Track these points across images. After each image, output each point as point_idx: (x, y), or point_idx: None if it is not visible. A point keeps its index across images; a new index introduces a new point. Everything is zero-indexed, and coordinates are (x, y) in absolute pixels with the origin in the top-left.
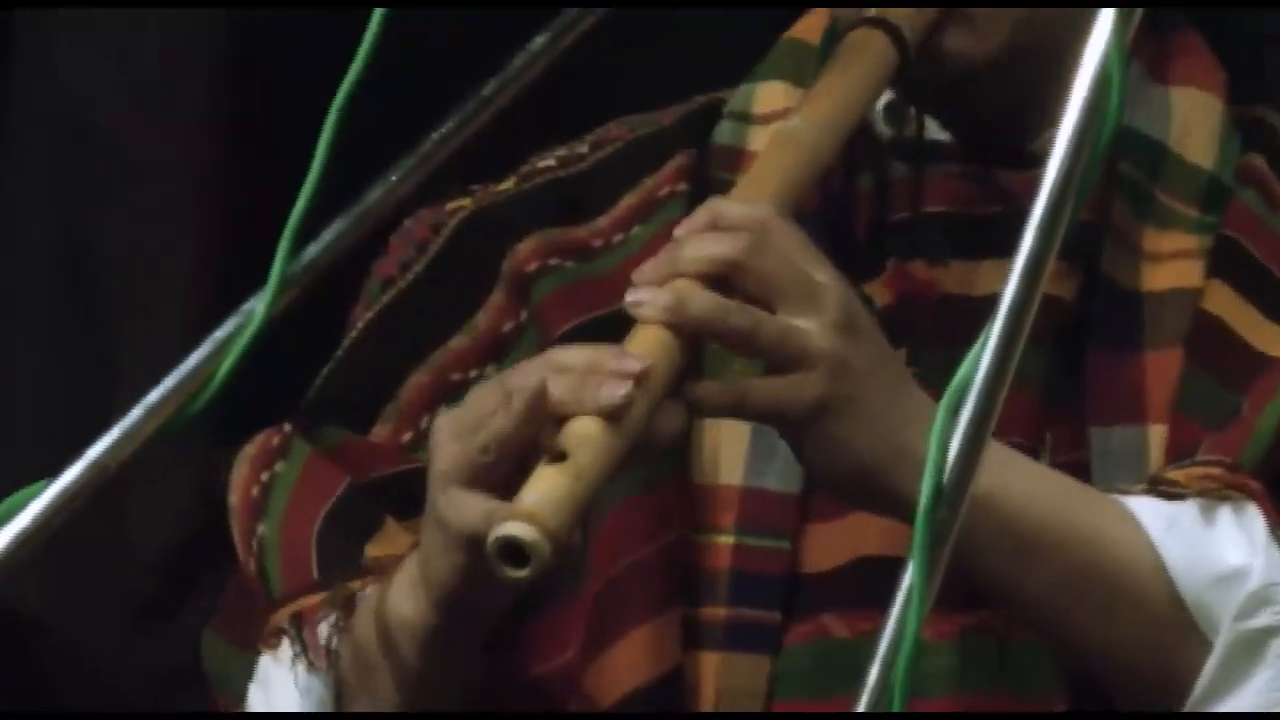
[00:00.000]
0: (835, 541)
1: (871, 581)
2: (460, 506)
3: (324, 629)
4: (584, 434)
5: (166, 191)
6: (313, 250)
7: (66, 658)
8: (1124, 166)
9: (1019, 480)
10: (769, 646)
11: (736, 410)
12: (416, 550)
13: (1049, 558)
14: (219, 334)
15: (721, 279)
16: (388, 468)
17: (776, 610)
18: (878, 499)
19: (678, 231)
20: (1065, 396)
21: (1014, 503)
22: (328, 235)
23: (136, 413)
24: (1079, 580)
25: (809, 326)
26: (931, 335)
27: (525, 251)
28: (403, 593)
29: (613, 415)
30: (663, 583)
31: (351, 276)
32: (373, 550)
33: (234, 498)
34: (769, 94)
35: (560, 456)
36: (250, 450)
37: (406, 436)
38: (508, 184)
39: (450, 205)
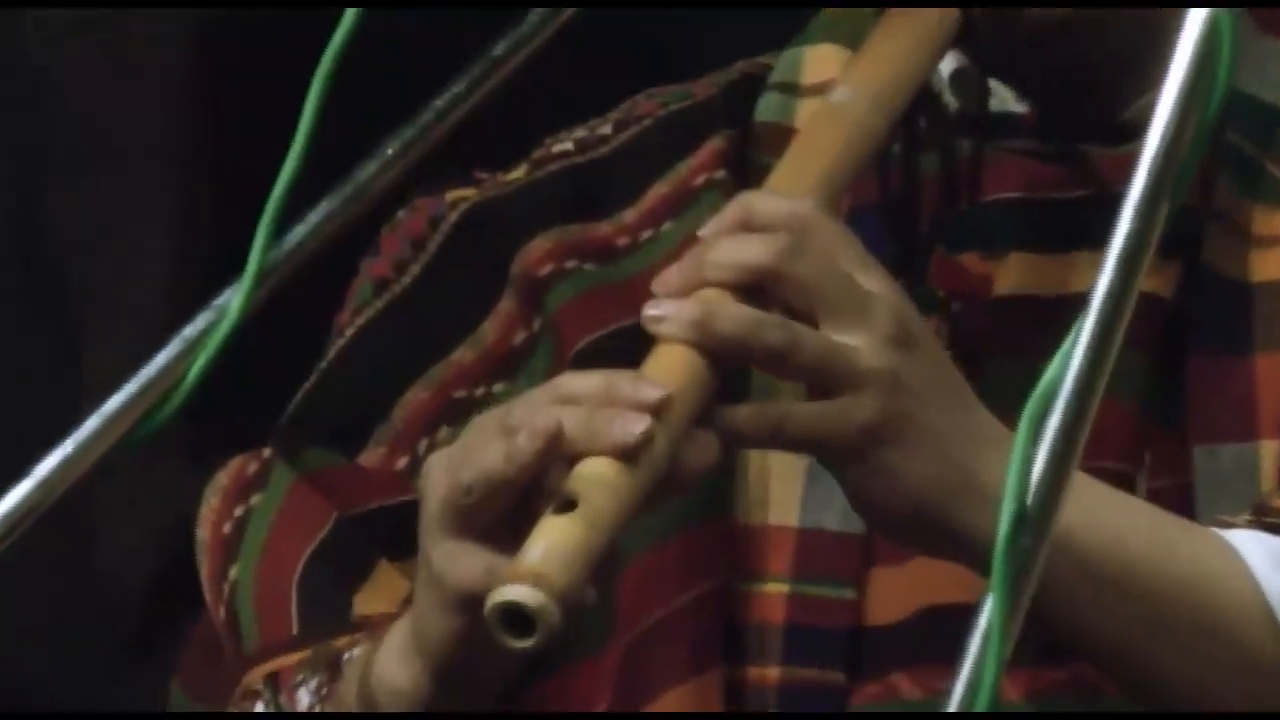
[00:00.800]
0: (902, 589)
1: (943, 634)
2: (454, 561)
3: (304, 695)
4: (596, 477)
5: (137, 173)
6: (296, 236)
7: (29, 706)
8: (1230, 137)
9: (1103, 511)
10: (832, 711)
11: (775, 439)
12: (410, 608)
13: (1139, 601)
14: (189, 331)
15: (755, 288)
16: (381, 498)
17: (839, 669)
18: (939, 539)
19: (703, 231)
20: (1164, 411)
21: (1098, 539)
22: (313, 219)
23: (93, 423)
24: (1173, 626)
25: (857, 342)
26: (993, 341)
27: (537, 253)
28: (394, 659)
29: (629, 455)
30: (703, 638)
31: (344, 264)
32: (363, 600)
33: (203, 533)
34: (819, 60)
35: (569, 504)
36: (223, 479)
37: (402, 462)
38: (518, 172)
39: (451, 195)
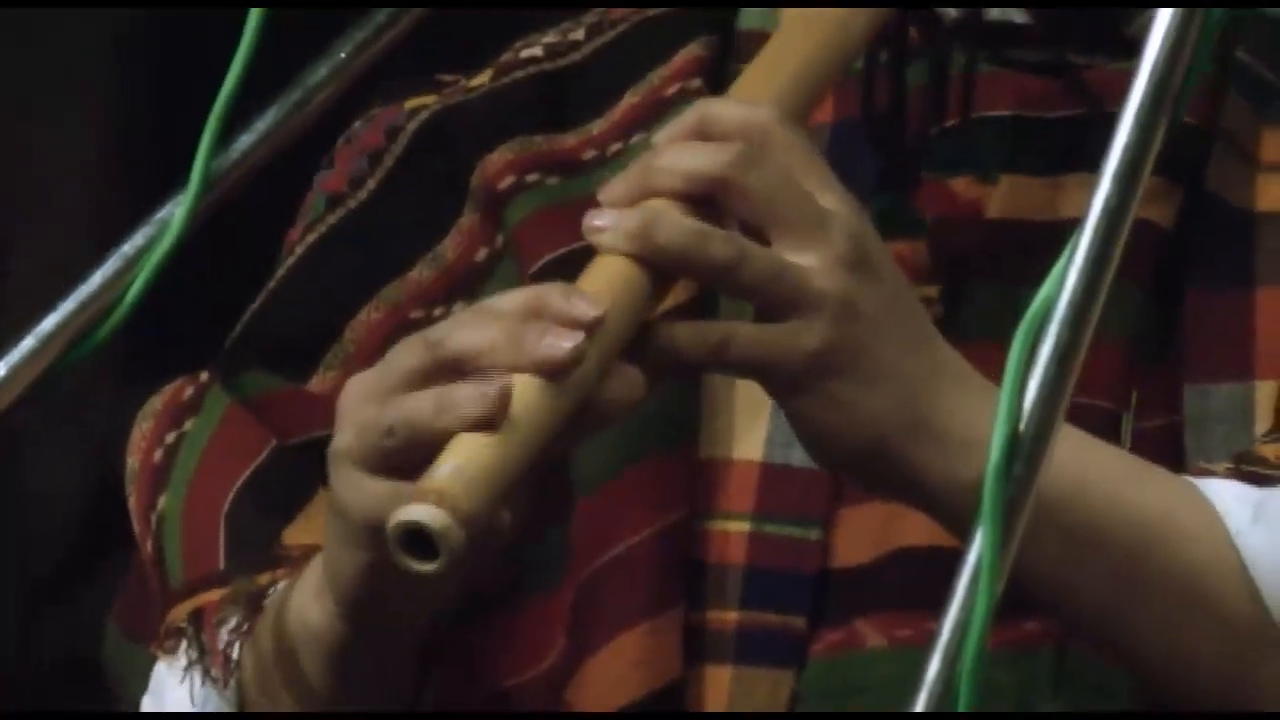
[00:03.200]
0: (871, 529)
1: (913, 578)
2: (360, 490)
3: (224, 634)
4: (516, 394)
5: (64, 70)
6: (242, 145)
7: None
8: (1242, 55)
9: (1069, 459)
10: (792, 659)
11: (715, 360)
12: (325, 540)
13: (1107, 556)
14: (128, 247)
15: (706, 200)
16: (323, 426)
17: (801, 614)
18: (889, 478)
19: (656, 138)
20: (1157, 346)
21: (1063, 488)
22: (260, 126)
23: (28, 343)
24: (1143, 582)
25: (809, 262)
26: (982, 268)
27: (498, 164)
28: (309, 595)
29: (555, 373)
30: (660, 576)
31: (296, 173)
32: (296, 532)
33: (133, 461)
34: None
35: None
36: (157, 403)
37: None
38: (482, 77)
39: (410, 103)
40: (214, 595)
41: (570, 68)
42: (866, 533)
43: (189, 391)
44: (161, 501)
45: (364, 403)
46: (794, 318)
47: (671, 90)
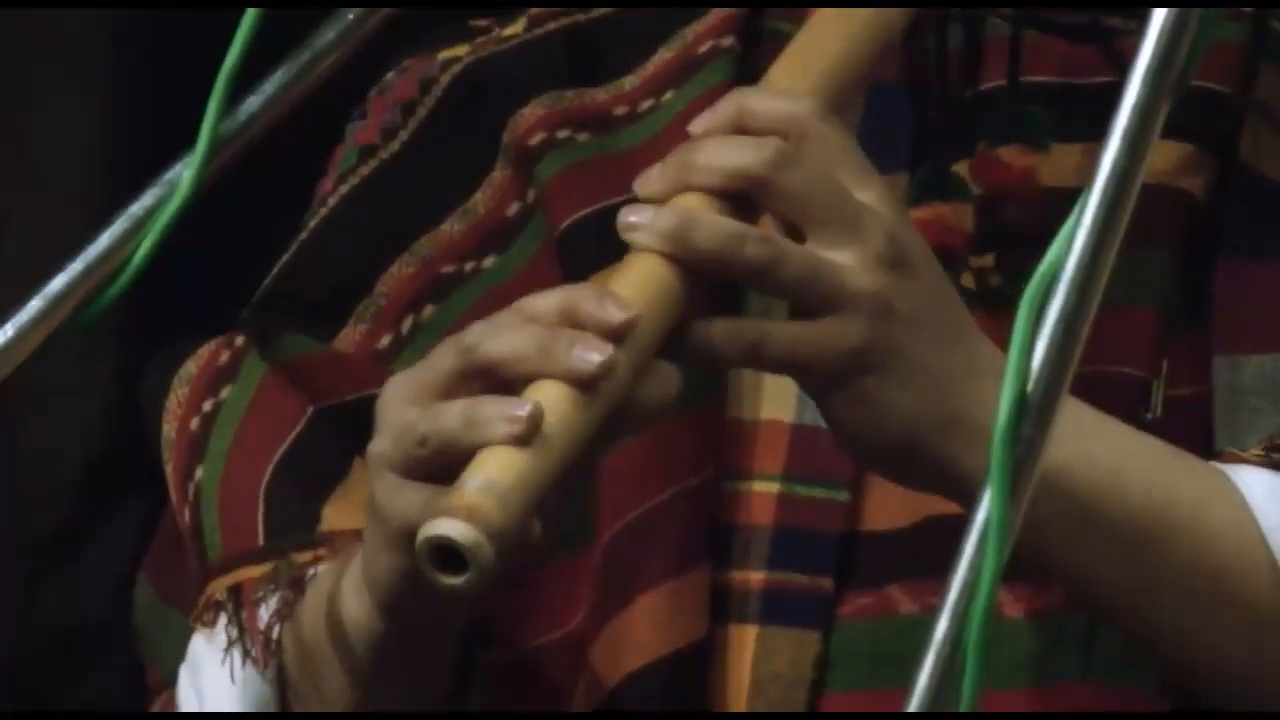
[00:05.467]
0: (902, 494)
1: (944, 546)
2: (397, 495)
3: (264, 613)
4: (547, 404)
5: (60, 48)
6: (252, 104)
7: None
8: (1276, 23)
9: (1101, 449)
10: (818, 621)
11: (751, 358)
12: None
13: (1135, 545)
14: (136, 208)
15: (742, 195)
16: (359, 389)
17: (829, 576)
18: (925, 474)
19: (694, 128)
20: (1189, 316)
21: (1091, 476)
22: (268, 88)
23: (35, 304)
24: (1170, 572)
25: (846, 261)
26: (1034, 239)
27: (529, 120)
28: (349, 588)
29: (586, 383)
30: (686, 536)
31: (312, 133)
32: (334, 510)
33: (169, 429)
34: None
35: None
36: (192, 368)
37: (384, 341)
38: (515, 26)
39: (443, 55)
40: (253, 572)
41: (604, 20)
42: (897, 497)
43: (225, 356)
44: (199, 472)
45: (402, 406)
46: (830, 316)
47: (704, 47)
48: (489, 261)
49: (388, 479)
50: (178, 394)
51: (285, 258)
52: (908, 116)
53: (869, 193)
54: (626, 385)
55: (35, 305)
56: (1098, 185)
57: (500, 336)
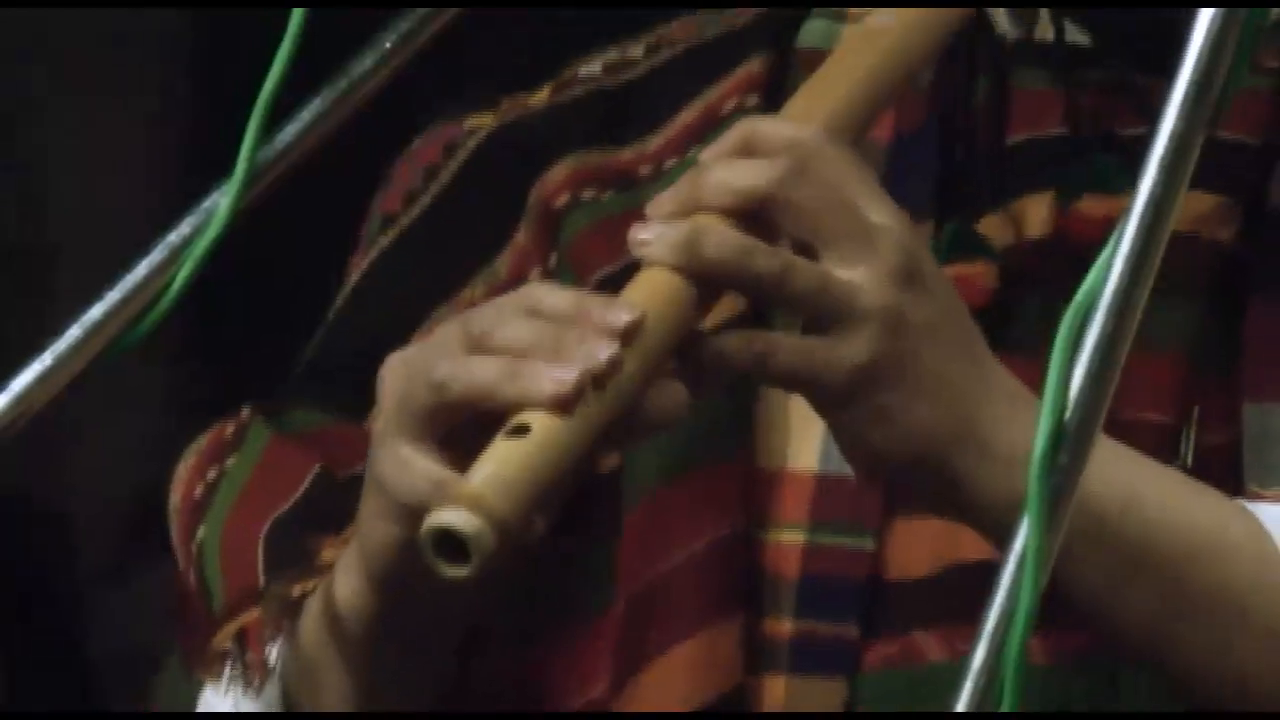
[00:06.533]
0: (927, 542)
1: (972, 593)
2: (405, 468)
3: (273, 649)
4: None
5: (111, 61)
6: (288, 133)
7: None
8: None
9: (1122, 478)
10: (844, 667)
11: (757, 370)
12: (358, 515)
13: (1157, 575)
14: (174, 237)
15: (754, 216)
16: (365, 460)
17: (853, 624)
18: (935, 493)
19: (703, 155)
20: (1219, 363)
21: (1115, 507)
22: (305, 116)
23: (74, 332)
24: (1190, 600)
25: (858, 276)
26: (1065, 285)
27: (555, 181)
28: (344, 569)
29: (592, 381)
30: (717, 585)
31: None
32: (332, 550)
33: (175, 498)
34: None
35: (522, 428)
36: (201, 442)
37: None
38: (541, 94)
39: (469, 122)
40: (255, 614)
41: (628, 85)
42: (922, 545)
43: (230, 429)
44: (200, 532)
45: (405, 375)
46: (841, 331)
47: (729, 106)
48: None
49: (394, 447)
50: (185, 465)
51: (316, 336)
52: (931, 167)
53: (880, 211)
54: (635, 390)
55: (73, 334)
56: (1135, 213)
57: (510, 325)
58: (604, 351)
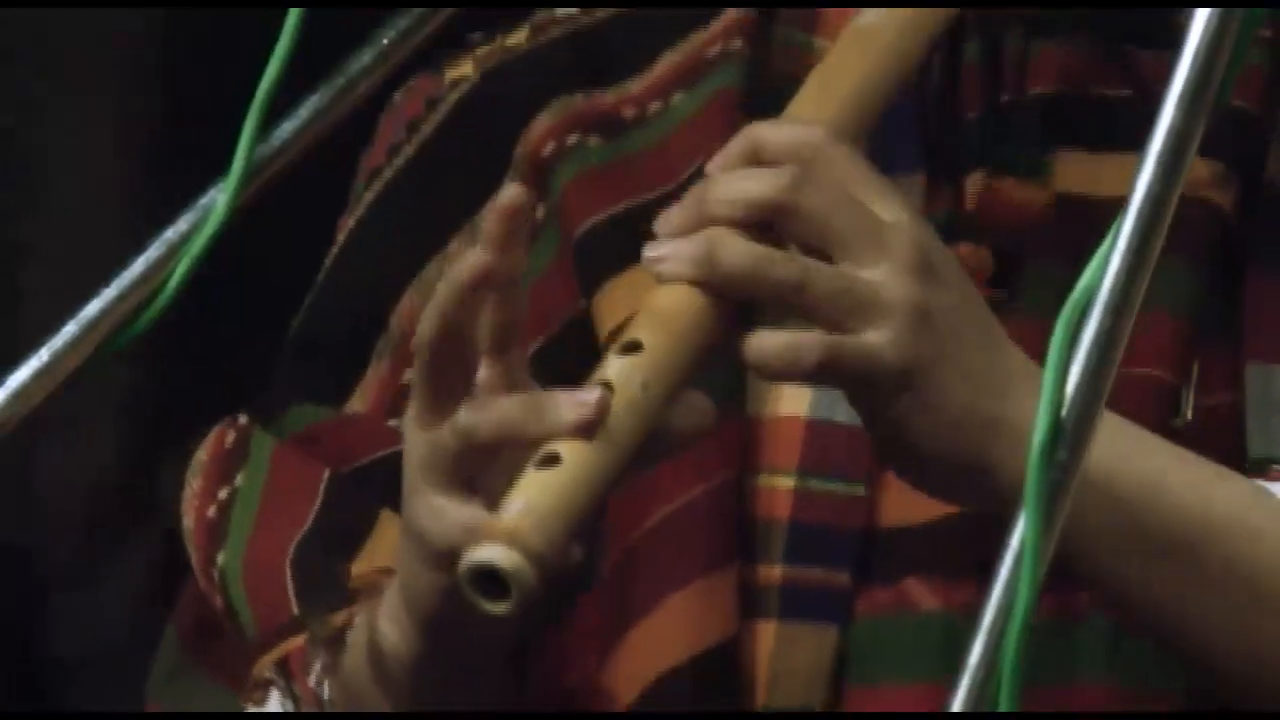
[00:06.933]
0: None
1: (969, 542)
2: (439, 516)
3: (313, 677)
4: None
5: (80, 61)
6: (286, 129)
7: None
8: None
9: (1141, 458)
10: (835, 615)
11: (791, 373)
12: (397, 562)
13: (1177, 553)
14: (171, 233)
15: (765, 225)
16: (373, 450)
17: (845, 570)
18: (970, 483)
19: (709, 167)
20: (1219, 324)
21: (1135, 486)
22: (305, 110)
23: (70, 329)
24: (1212, 581)
25: (876, 274)
26: (1041, 244)
27: (540, 130)
28: (387, 618)
29: (583, 429)
30: (712, 534)
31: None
32: (362, 563)
33: (188, 520)
34: None
35: (552, 458)
36: (202, 456)
37: (407, 375)
38: (518, 36)
39: (451, 73)
40: (295, 643)
41: (606, 24)
42: (914, 493)
43: (230, 438)
44: (220, 557)
45: (424, 424)
46: (869, 332)
47: (713, 51)
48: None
49: (426, 497)
50: (192, 485)
51: (305, 304)
52: (912, 135)
53: (888, 207)
54: (660, 409)
55: (70, 330)
56: (1132, 208)
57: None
58: (587, 395)
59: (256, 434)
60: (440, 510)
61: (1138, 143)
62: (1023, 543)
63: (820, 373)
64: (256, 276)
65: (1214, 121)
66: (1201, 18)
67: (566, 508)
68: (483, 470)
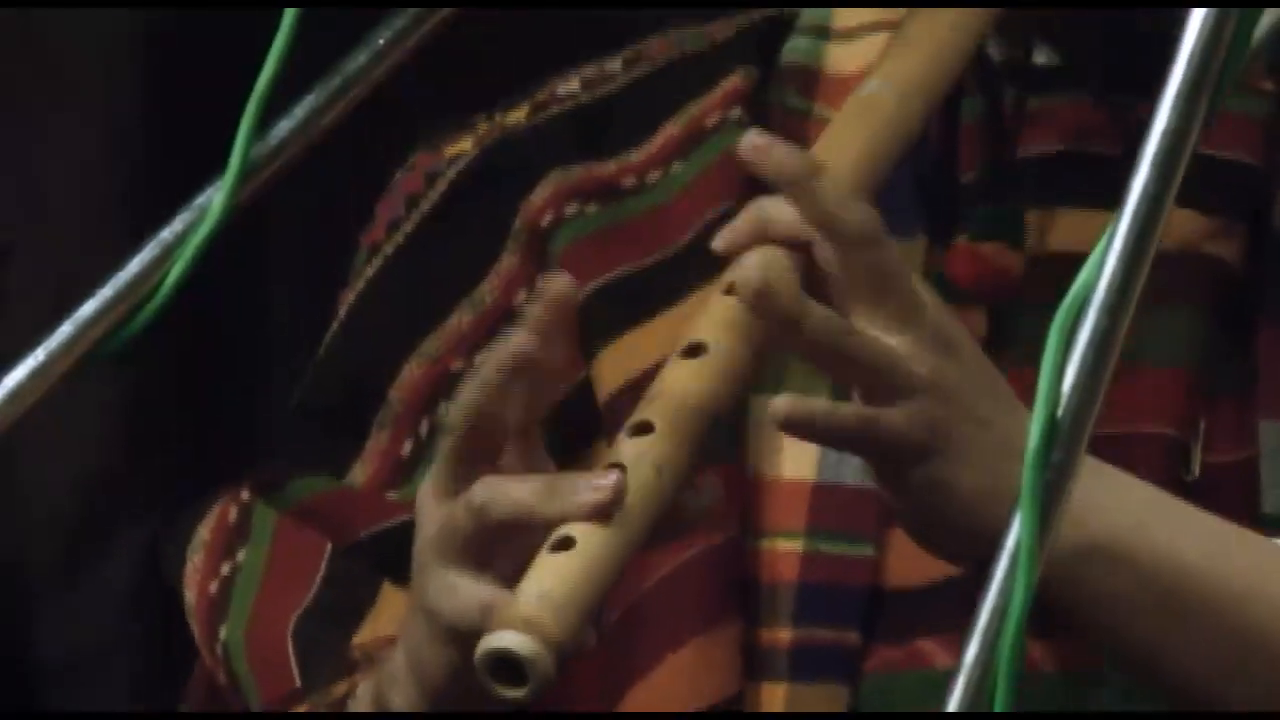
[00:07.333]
0: (926, 552)
1: (975, 603)
2: (452, 594)
3: None
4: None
5: (60, 62)
6: (281, 130)
7: None
8: None
9: (1158, 521)
10: (846, 674)
11: (845, 437)
12: (403, 634)
13: (1195, 619)
14: (167, 233)
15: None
16: (376, 522)
17: (855, 629)
18: (977, 548)
19: (717, 245)
20: (1227, 379)
21: (1154, 550)
22: (301, 110)
23: (66, 329)
24: (1231, 646)
25: (901, 346)
26: (1034, 296)
27: (539, 201)
28: (393, 685)
29: (599, 513)
30: (710, 594)
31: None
32: (363, 635)
33: (190, 595)
34: (852, 8)
35: (566, 541)
36: (204, 533)
37: (406, 447)
38: (518, 113)
39: (449, 150)
40: (298, 711)
41: (607, 99)
42: (921, 554)
43: (234, 513)
44: (223, 632)
45: (440, 499)
46: (891, 397)
47: (712, 120)
48: None
49: (439, 574)
50: (194, 561)
51: (306, 376)
52: (908, 195)
53: (912, 278)
54: (672, 493)
55: (66, 330)
56: (1128, 209)
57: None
58: (604, 480)
59: (259, 508)
60: (452, 587)
61: None
62: (1018, 544)
63: (850, 440)
64: (240, 279)
65: (1211, 175)
66: (1197, 18)
67: (582, 593)
68: (495, 548)
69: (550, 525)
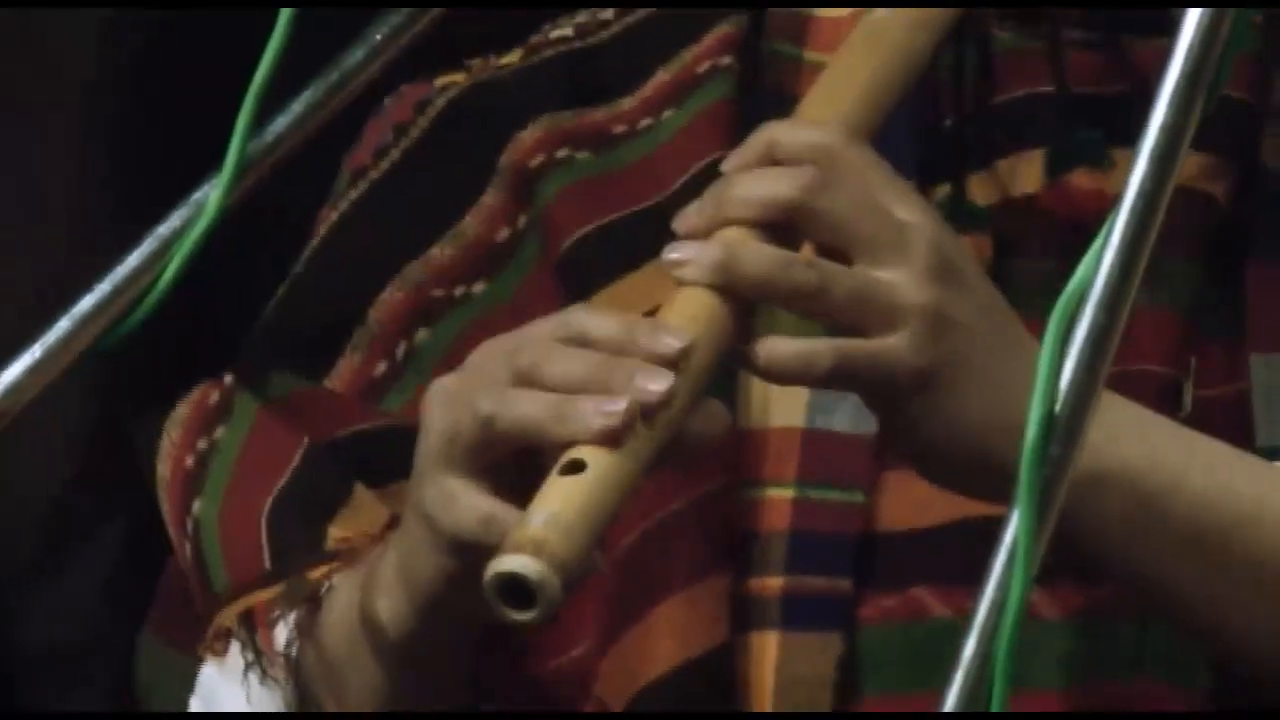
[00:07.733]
0: (920, 494)
1: (975, 549)
2: (452, 502)
3: (282, 631)
4: None
5: (44, 69)
6: (279, 124)
7: None
8: None
9: (1168, 448)
10: (839, 622)
11: (809, 377)
12: (395, 537)
13: (1207, 548)
14: (163, 229)
15: (782, 225)
16: (355, 423)
17: (847, 577)
18: (988, 484)
19: (725, 166)
20: (1217, 316)
21: (1160, 478)
22: (298, 105)
23: (63, 325)
24: (1240, 570)
25: (896, 277)
26: (1040, 246)
27: (529, 142)
28: (379, 593)
29: (645, 413)
30: (702, 543)
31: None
32: (339, 529)
33: (164, 470)
34: None
35: (577, 465)
36: (183, 410)
37: (380, 368)
38: (512, 56)
39: (440, 80)
40: (263, 595)
41: (599, 46)
42: (915, 497)
43: (214, 396)
44: (196, 506)
45: (448, 404)
46: (887, 334)
47: (703, 67)
48: (479, 287)
49: (440, 481)
50: (170, 436)
51: (281, 291)
52: (912, 131)
53: (907, 208)
54: (681, 418)
55: (63, 326)
56: (1126, 204)
57: (559, 359)
58: (658, 383)
59: (241, 394)
60: (452, 495)
61: (1134, 139)
62: (1015, 539)
63: (834, 377)
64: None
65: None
66: (1194, 16)
67: (591, 518)
68: (499, 461)
69: (557, 447)
